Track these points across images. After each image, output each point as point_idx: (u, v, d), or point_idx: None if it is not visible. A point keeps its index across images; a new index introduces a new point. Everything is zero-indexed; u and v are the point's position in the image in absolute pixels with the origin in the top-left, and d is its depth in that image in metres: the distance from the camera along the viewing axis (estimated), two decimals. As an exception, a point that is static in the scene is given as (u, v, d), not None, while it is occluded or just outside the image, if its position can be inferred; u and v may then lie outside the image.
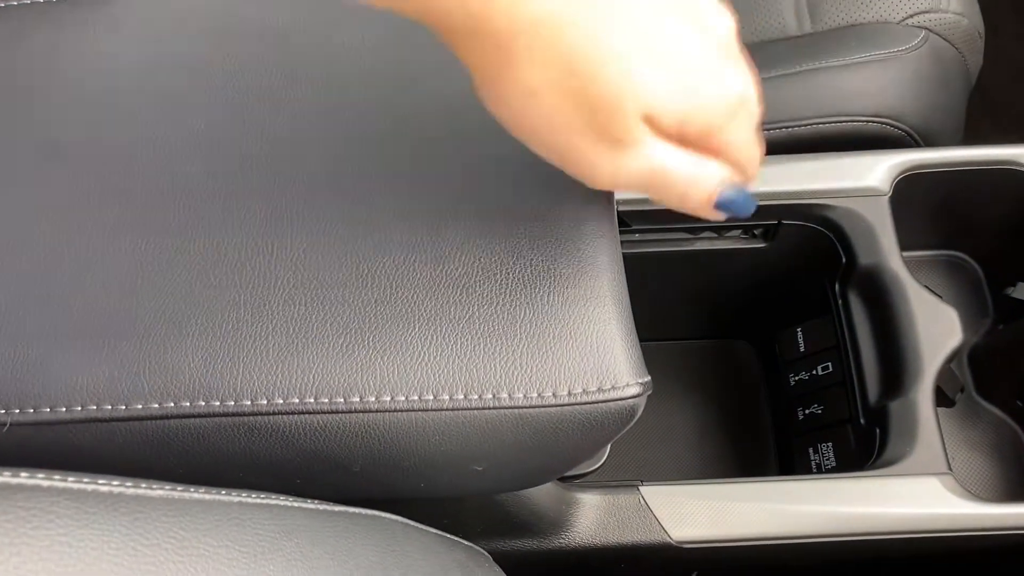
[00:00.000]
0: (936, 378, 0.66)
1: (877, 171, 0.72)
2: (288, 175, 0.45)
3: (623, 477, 0.65)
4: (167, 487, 0.33)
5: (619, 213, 0.72)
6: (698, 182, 0.35)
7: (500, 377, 0.41)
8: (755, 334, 0.91)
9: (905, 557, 0.64)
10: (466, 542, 0.48)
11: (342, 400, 0.40)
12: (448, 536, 0.47)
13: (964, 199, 0.77)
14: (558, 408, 0.41)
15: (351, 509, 0.40)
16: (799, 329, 0.81)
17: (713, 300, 0.86)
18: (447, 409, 0.41)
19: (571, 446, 0.44)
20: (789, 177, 0.73)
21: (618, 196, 0.71)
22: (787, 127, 0.77)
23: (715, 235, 0.77)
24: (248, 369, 0.41)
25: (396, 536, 0.41)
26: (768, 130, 0.77)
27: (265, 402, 0.40)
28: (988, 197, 0.76)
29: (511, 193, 0.45)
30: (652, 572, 0.67)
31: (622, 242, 0.76)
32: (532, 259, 0.43)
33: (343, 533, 0.38)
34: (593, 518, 0.62)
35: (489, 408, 0.41)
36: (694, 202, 0.36)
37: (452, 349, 0.41)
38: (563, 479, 0.63)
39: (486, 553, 0.54)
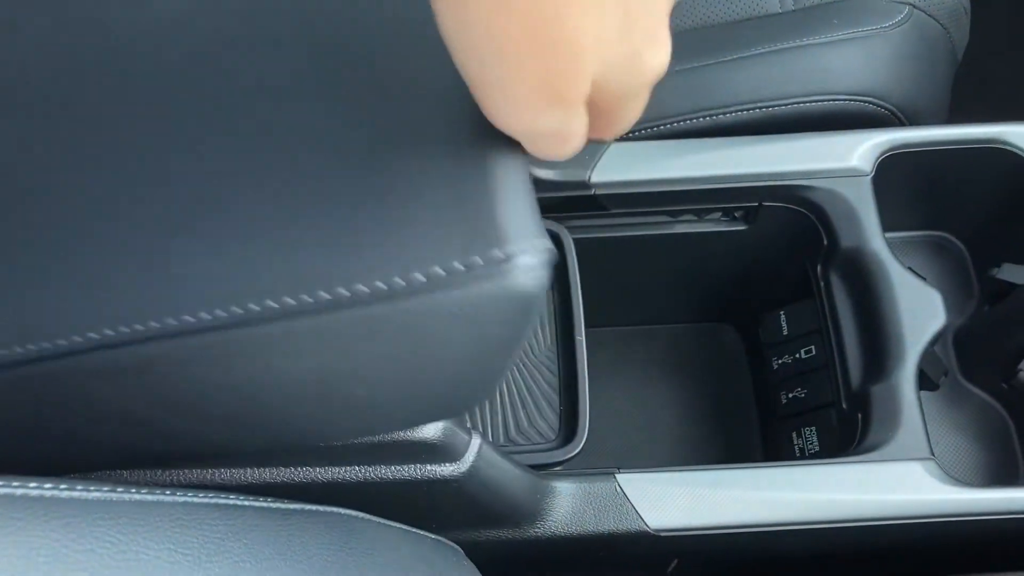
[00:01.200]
0: (919, 362, 0.65)
1: (859, 151, 0.71)
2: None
3: (603, 464, 0.64)
4: (105, 488, 0.31)
5: (597, 197, 0.71)
6: (575, 141, 0.32)
7: (343, 265, 0.31)
8: (739, 318, 0.90)
9: (889, 545, 0.63)
10: (434, 536, 0.47)
11: (157, 324, 0.32)
12: (414, 531, 0.45)
13: (949, 179, 0.75)
14: (428, 295, 0.31)
15: (308, 506, 0.39)
16: (782, 312, 0.80)
17: (695, 284, 0.85)
18: (279, 318, 0.31)
19: (463, 350, 0.34)
20: (770, 158, 0.71)
21: (596, 179, 0.71)
22: (768, 107, 0.75)
23: (695, 218, 0.75)
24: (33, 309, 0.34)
25: (354, 533, 0.40)
26: (748, 110, 0.76)
27: (80, 339, 0.33)
28: (973, 176, 0.74)
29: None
30: (631, 561, 0.66)
31: (601, 227, 0.75)
32: (394, 113, 0.34)
33: (296, 531, 0.37)
34: (569, 507, 0.60)
35: (331, 310, 0.31)
36: (557, 156, 0.33)
37: (276, 239, 0.32)
38: (538, 467, 0.62)
39: (456, 547, 0.53)
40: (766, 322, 0.82)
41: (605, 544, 0.62)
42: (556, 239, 0.71)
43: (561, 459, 0.64)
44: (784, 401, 0.78)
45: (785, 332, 0.80)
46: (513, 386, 0.68)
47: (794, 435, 0.76)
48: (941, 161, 0.73)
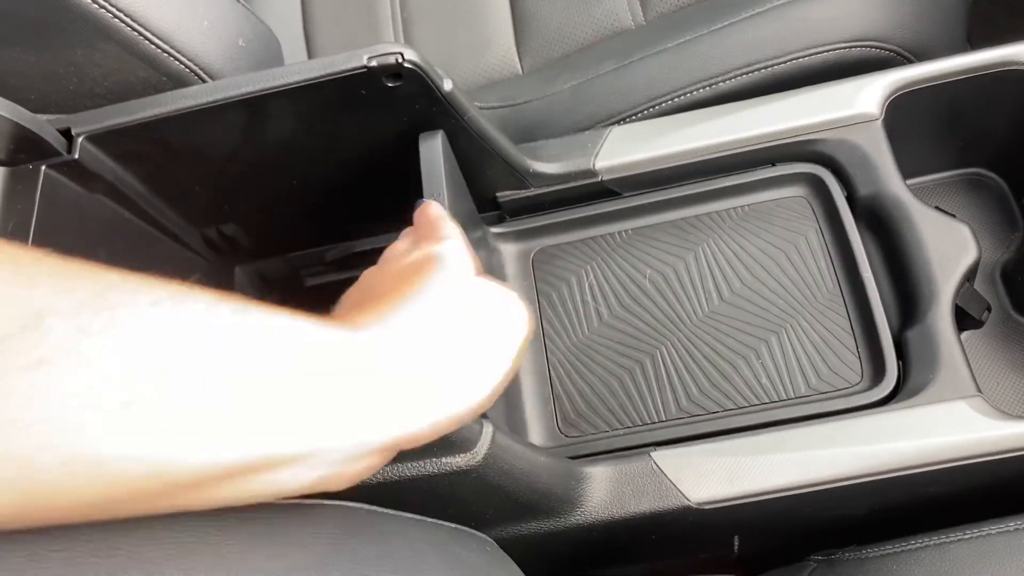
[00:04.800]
0: (954, 298, 0.63)
1: (865, 95, 0.69)
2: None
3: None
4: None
5: (605, 183, 0.71)
6: None
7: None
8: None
9: (948, 492, 0.60)
10: (451, 524, 0.47)
11: None
12: (429, 520, 0.46)
13: (970, 110, 0.72)
14: None
15: (300, 502, 0.40)
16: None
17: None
18: None
19: None
20: (776, 117, 0.70)
21: (601, 165, 0.70)
22: (768, 66, 0.74)
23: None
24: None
25: (353, 522, 0.41)
26: (747, 73, 0.75)
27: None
28: (993, 104, 0.71)
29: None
30: (686, 540, 0.65)
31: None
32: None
33: (287, 525, 0.38)
34: (606, 490, 0.60)
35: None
36: None
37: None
38: (853, 410, 0.61)
39: (487, 538, 0.53)
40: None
41: (651, 525, 0.61)
42: (822, 184, 0.70)
43: (874, 399, 0.62)
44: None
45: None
46: (803, 334, 0.66)
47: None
48: (957, 94, 0.70)
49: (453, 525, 0.48)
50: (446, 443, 0.50)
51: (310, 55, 0.95)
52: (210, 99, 0.59)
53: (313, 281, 0.79)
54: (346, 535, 0.40)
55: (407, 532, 0.43)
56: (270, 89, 0.59)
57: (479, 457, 0.51)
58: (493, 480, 0.53)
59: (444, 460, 0.51)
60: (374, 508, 0.42)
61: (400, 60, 0.58)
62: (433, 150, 0.61)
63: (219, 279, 0.76)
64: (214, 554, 0.34)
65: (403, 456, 0.51)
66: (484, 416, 0.53)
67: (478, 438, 0.51)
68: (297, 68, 0.59)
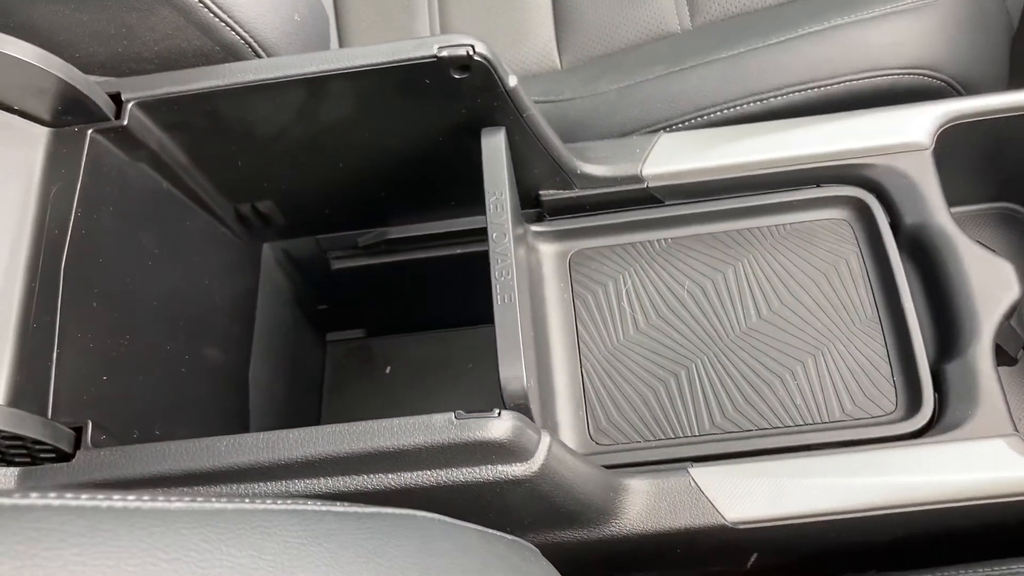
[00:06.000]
0: (995, 335, 0.63)
1: (917, 124, 0.69)
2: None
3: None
4: (187, 499, 0.32)
5: (650, 190, 0.70)
6: None
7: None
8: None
9: (977, 527, 0.61)
10: (510, 536, 0.47)
11: None
12: (489, 531, 0.45)
13: (1013, 147, 0.73)
14: None
15: (384, 510, 0.39)
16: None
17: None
18: None
19: None
20: (825, 138, 0.70)
21: (648, 172, 0.70)
22: (820, 86, 0.74)
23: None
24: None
25: (432, 534, 0.40)
26: (800, 91, 0.74)
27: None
28: (1038, 143, 0.72)
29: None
30: (709, 555, 0.65)
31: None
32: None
33: (375, 535, 0.37)
34: (643, 504, 0.60)
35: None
36: None
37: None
38: (883, 440, 0.61)
39: (533, 547, 0.52)
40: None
41: (682, 540, 0.61)
42: (867, 209, 0.69)
43: (910, 431, 0.62)
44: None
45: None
46: (840, 358, 0.66)
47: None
48: (1004, 129, 0.71)
49: (511, 537, 0.47)
50: (504, 451, 0.50)
51: (339, 33, 0.93)
52: (273, 75, 0.57)
53: (340, 264, 0.78)
54: (424, 547, 0.39)
55: (475, 544, 0.43)
56: (335, 71, 0.57)
57: (536, 467, 0.51)
58: (543, 490, 0.53)
59: (500, 468, 0.50)
60: (445, 519, 0.42)
61: (471, 52, 0.57)
62: (496, 146, 0.60)
63: (247, 255, 0.74)
64: (308, 561, 0.33)
65: (459, 461, 0.50)
66: (539, 425, 0.52)
67: (536, 448, 0.51)
68: (364, 52, 0.58)
